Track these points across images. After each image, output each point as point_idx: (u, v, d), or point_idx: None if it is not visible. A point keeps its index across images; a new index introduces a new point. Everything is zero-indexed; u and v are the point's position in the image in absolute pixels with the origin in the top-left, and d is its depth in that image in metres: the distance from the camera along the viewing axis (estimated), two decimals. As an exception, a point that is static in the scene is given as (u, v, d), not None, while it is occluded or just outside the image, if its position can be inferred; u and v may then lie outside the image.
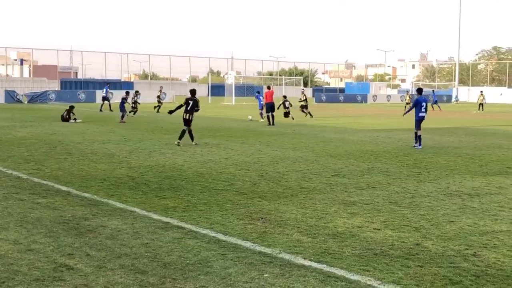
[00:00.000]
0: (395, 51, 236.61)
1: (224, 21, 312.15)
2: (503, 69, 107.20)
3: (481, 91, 54.79)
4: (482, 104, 50.52)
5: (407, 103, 47.25)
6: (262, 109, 31.31)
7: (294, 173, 12.94)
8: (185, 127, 18.62)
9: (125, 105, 29.78)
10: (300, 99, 35.39)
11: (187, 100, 18.80)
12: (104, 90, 41.88)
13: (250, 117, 32.31)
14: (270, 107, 28.76)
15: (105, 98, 40.48)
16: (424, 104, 19.10)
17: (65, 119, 28.41)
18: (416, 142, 18.99)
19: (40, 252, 6.70)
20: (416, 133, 19.02)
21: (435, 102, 51.83)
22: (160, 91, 41.11)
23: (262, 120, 30.88)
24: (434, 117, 36.89)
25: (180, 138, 18.39)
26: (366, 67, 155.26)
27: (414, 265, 6.46)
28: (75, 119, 28.37)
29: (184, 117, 18.65)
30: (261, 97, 32.09)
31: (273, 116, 28.50)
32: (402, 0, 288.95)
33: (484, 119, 38.02)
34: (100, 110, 38.60)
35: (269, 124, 28.15)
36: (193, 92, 19.04)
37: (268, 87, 30.91)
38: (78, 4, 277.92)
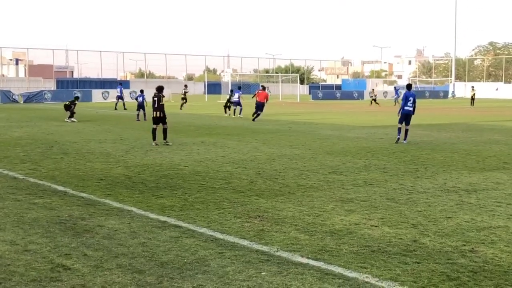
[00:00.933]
0: (391, 47, 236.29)
1: (220, 19, 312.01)
2: (499, 64, 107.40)
3: (472, 86, 55.84)
4: (473, 99, 51.43)
5: (373, 99, 51.67)
6: (237, 105, 33.54)
7: (291, 171, 12.93)
8: (154, 126, 18.14)
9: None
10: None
11: (153, 98, 18.40)
12: (119, 89, 42.95)
13: (240, 115, 33.20)
14: (259, 106, 30.56)
15: (120, 97, 41.50)
16: (411, 99, 19.33)
17: (67, 107, 28.83)
18: (405, 138, 19.14)
19: (37, 252, 6.68)
20: (404, 129, 19.21)
21: (397, 99, 53.51)
22: (185, 89, 43.09)
23: (239, 115, 32.85)
24: (431, 113, 36.93)
25: (154, 138, 17.97)
26: (362, 64, 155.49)
27: (411, 261, 6.46)
28: (73, 113, 28.52)
29: (154, 115, 18.20)
30: (234, 94, 34.35)
31: (258, 114, 30.26)
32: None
33: (481, 114, 38.07)
34: (126, 108, 39.68)
35: (253, 120, 29.69)
36: (159, 88, 18.49)
37: (263, 87, 32.50)
38: (74, 3, 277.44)
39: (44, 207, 9.11)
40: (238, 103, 33.50)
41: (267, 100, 31.21)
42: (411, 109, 19.32)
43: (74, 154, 15.59)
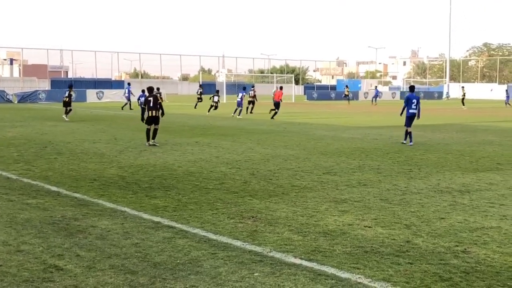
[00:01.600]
0: (386, 48, 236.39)
1: (215, 19, 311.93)
2: (494, 65, 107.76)
3: (462, 87, 56.63)
4: (463, 99, 51.95)
5: (345, 95, 56.24)
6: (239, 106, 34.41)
7: (285, 171, 12.94)
8: (149, 126, 18.09)
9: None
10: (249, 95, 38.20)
11: (147, 98, 18.46)
12: (127, 90, 43.42)
13: (239, 115, 33.64)
14: (276, 105, 32.93)
15: (128, 98, 41.97)
16: (414, 101, 19.20)
17: (66, 103, 28.99)
18: (405, 139, 19.07)
19: (30, 253, 6.66)
20: (406, 130, 19.10)
21: (375, 97, 58.11)
22: (200, 89, 45.99)
23: (238, 116, 33.55)
24: (425, 114, 36.95)
25: (148, 139, 17.99)
26: (357, 64, 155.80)
27: (404, 262, 6.47)
28: (69, 110, 28.49)
29: (150, 114, 18.14)
30: (238, 94, 35.66)
31: (276, 112, 32.49)
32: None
33: (475, 115, 38.17)
34: (124, 109, 40.21)
35: (272, 118, 31.86)
36: (150, 89, 18.93)
37: (281, 88, 34.51)
38: (68, 3, 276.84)
39: (37, 207, 9.08)
40: (239, 104, 33.93)
41: (281, 100, 33.33)
42: (415, 111, 19.18)
43: (68, 155, 15.55)
